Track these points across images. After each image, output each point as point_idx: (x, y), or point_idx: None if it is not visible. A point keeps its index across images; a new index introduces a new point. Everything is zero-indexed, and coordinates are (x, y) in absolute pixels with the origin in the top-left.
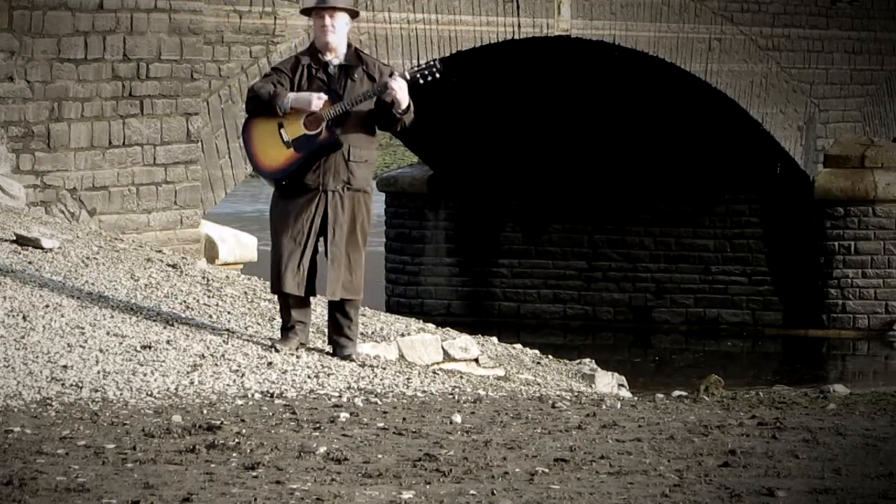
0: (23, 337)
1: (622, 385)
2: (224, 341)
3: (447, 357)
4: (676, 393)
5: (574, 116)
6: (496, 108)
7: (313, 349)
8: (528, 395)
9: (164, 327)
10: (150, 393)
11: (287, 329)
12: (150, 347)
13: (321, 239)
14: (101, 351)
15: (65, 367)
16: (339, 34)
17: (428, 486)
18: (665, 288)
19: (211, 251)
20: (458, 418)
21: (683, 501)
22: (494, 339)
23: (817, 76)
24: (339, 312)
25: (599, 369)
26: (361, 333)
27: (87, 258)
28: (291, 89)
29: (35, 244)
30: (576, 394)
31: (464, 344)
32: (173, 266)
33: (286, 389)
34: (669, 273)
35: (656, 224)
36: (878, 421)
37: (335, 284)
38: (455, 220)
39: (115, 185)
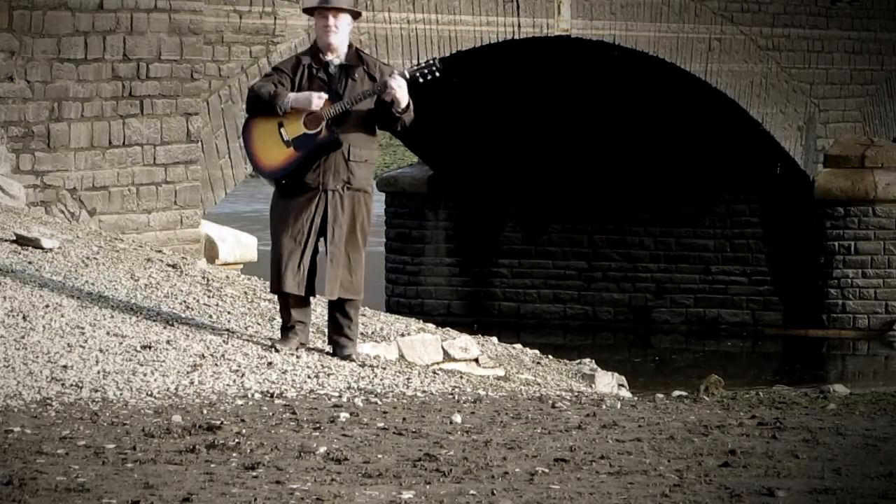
0: (23, 337)
1: (622, 385)
2: (224, 341)
3: (447, 357)
4: (676, 393)
5: (574, 116)
6: (496, 108)
7: (313, 349)
8: (528, 395)
9: (164, 327)
10: (150, 393)
11: (287, 329)
12: (150, 347)
13: (322, 239)
14: (101, 351)
15: (65, 367)
16: (341, 35)
17: (428, 486)
18: (665, 288)
19: (211, 251)
20: (458, 418)
21: (683, 501)
22: (494, 339)
23: (817, 76)
24: (339, 312)
25: (599, 369)
26: (361, 333)
27: (87, 258)
28: (292, 89)
29: (35, 244)
30: (576, 394)
31: (464, 344)
32: (173, 266)
33: (286, 389)
34: (669, 273)
35: (656, 224)
36: (878, 421)
37: (334, 284)
38: (455, 220)
39: (115, 185)
